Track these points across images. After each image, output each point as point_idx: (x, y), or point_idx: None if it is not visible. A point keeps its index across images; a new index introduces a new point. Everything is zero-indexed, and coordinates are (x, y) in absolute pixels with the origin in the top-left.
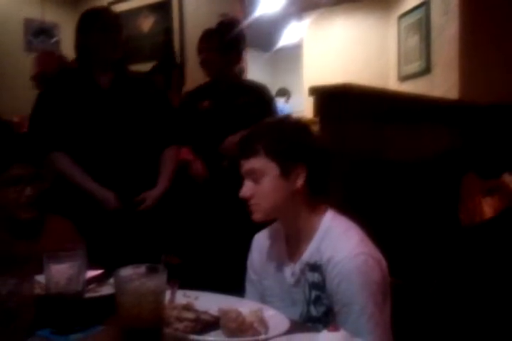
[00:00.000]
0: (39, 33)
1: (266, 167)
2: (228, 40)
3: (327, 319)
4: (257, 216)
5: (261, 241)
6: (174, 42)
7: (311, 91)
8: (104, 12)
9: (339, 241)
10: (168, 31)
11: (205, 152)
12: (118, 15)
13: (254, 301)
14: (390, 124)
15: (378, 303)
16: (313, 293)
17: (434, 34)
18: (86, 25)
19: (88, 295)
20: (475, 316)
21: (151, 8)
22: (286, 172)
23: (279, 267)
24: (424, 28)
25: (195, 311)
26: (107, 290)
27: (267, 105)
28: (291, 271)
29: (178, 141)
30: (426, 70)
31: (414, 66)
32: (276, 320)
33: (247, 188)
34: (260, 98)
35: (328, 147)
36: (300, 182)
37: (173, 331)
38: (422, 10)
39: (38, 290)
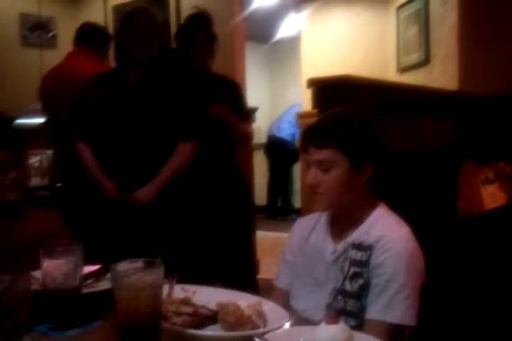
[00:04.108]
0: (35, 27)
1: (338, 159)
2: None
3: (361, 293)
4: (321, 207)
5: (303, 224)
6: (171, 35)
7: (309, 83)
8: (140, 13)
9: (391, 227)
10: (164, 25)
11: None
12: (153, 17)
13: (287, 281)
14: (390, 115)
15: (416, 288)
16: (352, 269)
17: (433, 24)
18: (121, 25)
19: (85, 290)
20: (476, 309)
21: (147, 1)
22: (355, 168)
23: (320, 246)
24: (424, 19)
25: (193, 305)
26: (104, 285)
27: (241, 100)
28: (332, 249)
29: (196, 136)
30: (425, 61)
31: (414, 57)
32: (275, 313)
33: (314, 176)
34: (235, 92)
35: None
36: (365, 178)
37: (171, 325)
38: (421, 0)
39: (35, 286)
